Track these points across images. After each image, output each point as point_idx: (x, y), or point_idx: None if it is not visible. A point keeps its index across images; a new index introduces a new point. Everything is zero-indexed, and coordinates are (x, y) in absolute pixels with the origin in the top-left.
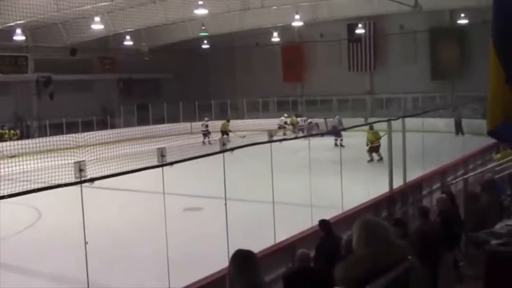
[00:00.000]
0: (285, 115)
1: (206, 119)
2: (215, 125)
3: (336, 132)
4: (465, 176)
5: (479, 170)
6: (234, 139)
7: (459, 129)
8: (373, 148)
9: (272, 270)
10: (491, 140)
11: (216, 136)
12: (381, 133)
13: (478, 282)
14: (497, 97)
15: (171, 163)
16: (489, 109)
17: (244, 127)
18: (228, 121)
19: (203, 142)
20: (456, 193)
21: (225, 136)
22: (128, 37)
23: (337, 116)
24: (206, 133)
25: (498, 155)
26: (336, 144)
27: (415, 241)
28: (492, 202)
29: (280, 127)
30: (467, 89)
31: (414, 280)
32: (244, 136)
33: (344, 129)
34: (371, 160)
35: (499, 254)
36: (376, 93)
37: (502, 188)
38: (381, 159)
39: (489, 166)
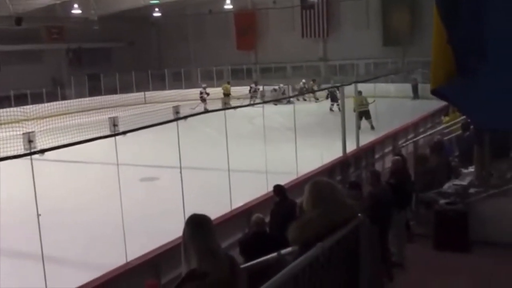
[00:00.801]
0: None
1: (204, 85)
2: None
3: (333, 97)
4: (415, 139)
5: (428, 133)
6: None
7: (415, 93)
8: (362, 113)
9: (229, 236)
10: (442, 103)
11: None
12: (370, 99)
13: (428, 239)
14: (440, 57)
15: (124, 132)
16: (432, 69)
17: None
18: (228, 83)
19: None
20: (407, 156)
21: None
22: (76, 5)
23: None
24: (204, 100)
25: (447, 118)
26: (331, 109)
27: (367, 203)
28: (441, 163)
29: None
30: (418, 55)
31: (363, 238)
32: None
33: (298, 95)
34: (360, 127)
35: (446, 213)
36: (330, 60)
37: (450, 149)
38: (372, 128)
39: (438, 128)
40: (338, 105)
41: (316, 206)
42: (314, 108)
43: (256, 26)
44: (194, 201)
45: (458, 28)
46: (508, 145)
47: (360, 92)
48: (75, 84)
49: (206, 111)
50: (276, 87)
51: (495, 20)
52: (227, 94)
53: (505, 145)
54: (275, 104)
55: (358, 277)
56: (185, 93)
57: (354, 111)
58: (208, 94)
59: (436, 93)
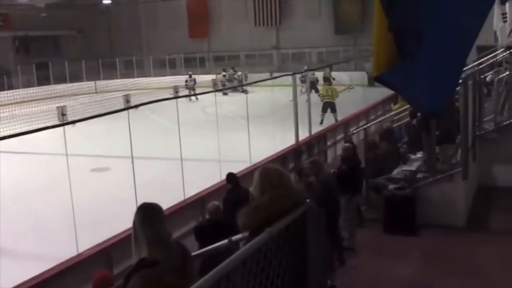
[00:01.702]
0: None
1: (190, 73)
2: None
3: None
4: (365, 126)
5: (378, 120)
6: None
7: (371, 80)
8: (327, 104)
9: (182, 225)
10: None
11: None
12: (340, 89)
13: (378, 224)
14: (382, 44)
15: (73, 122)
16: (374, 57)
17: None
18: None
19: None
20: (358, 143)
21: None
22: None
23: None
24: (192, 88)
25: (397, 105)
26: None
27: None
28: (390, 150)
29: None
30: (368, 43)
31: (311, 222)
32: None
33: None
34: (321, 122)
35: (396, 198)
36: (282, 48)
37: (399, 136)
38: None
39: (387, 115)
40: (319, 95)
41: (265, 192)
42: (268, 97)
43: (209, 14)
44: (146, 191)
45: (397, 13)
46: (454, 131)
47: (329, 82)
48: (23, 73)
49: (159, 100)
50: (236, 74)
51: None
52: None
53: (451, 131)
54: (225, 94)
55: (307, 261)
56: (137, 82)
57: (322, 101)
58: (195, 82)
59: (379, 79)
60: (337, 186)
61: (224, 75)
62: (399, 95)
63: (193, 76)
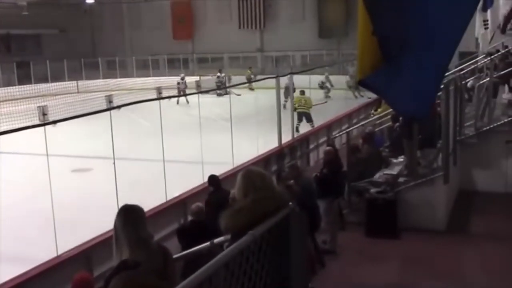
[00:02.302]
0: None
1: (182, 75)
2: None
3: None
4: (347, 130)
5: (360, 124)
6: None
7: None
8: (302, 114)
9: (164, 227)
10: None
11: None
12: (314, 102)
13: (360, 227)
14: (366, 48)
15: (54, 122)
16: (358, 60)
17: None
18: (250, 69)
19: (178, 102)
20: (340, 147)
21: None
22: None
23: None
24: (184, 91)
25: (380, 109)
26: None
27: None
28: (372, 154)
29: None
30: (352, 47)
31: (294, 225)
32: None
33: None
34: (297, 130)
35: (377, 201)
36: (266, 51)
37: (381, 140)
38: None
39: (370, 119)
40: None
41: (248, 194)
42: (251, 99)
43: (193, 16)
44: (128, 192)
45: (381, 16)
46: (435, 136)
47: (302, 92)
48: (3, 71)
49: (142, 101)
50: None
51: (415, 6)
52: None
53: (432, 135)
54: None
55: (289, 263)
56: (119, 82)
57: (294, 110)
58: (186, 85)
59: (363, 83)
60: (316, 190)
61: (218, 76)
62: (382, 99)
63: (185, 78)
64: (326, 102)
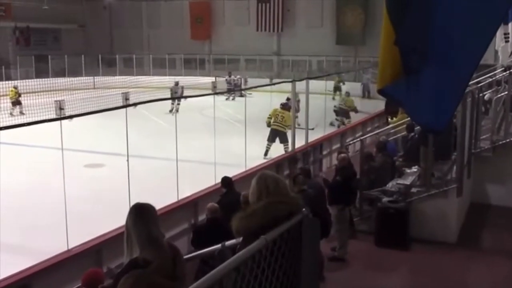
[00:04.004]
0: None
1: (229, 72)
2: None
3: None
4: (362, 138)
5: (375, 132)
6: None
7: (366, 92)
8: (275, 132)
9: (175, 226)
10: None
11: None
12: (289, 123)
13: (370, 236)
14: (387, 58)
15: (70, 117)
16: (379, 70)
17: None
18: (339, 76)
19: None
20: (353, 154)
21: None
22: None
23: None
24: (231, 90)
25: (395, 118)
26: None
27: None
28: (385, 163)
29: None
30: (369, 55)
31: (306, 232)
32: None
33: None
34: (266, 153)
35: (389, 211)
36: (283, 54)
37: (395, 149)
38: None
39: (385, 128)
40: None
41: (261, 198)
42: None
43: (211, 16)
44: (140, 190)
45: (404, 28)
46: (450, 147)
47: (284, 105)
48: (21, 64)
49: (158, 99)
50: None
51: (438, 19)
52: None
53: (448, 147)
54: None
55: (300, 271)
56: (136, 80)
57: (268, 125)
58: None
59: (382, 93)
60: (328, 196)
61: (226, 80)
62: (401, 109)
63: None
64: (313, 128)
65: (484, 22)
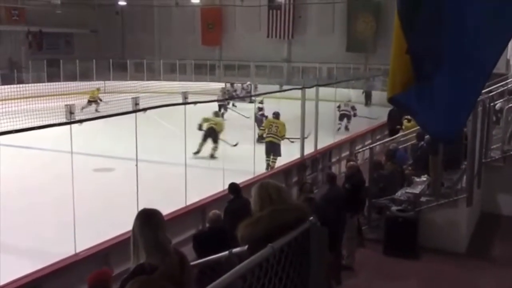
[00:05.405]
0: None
1: (248, 82)
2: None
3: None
4: (371, 146)
5: (384, 140)
6: None
7: (368, 99)
8: (271, 145)
9: (182, 232)
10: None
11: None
12: (287, 133)
13: (378, 244)
14: (398, 66)
15: (80, 121)
16: (390, 78)
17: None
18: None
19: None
20: (363, 162)
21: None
22: None
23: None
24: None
25: (408, 124)
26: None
27: (320, 205)
28: (395, 171)
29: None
30: (380, 62)
31: (314, 240)
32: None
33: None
34: (267, 168)
35: (398, 219)
36: (293, 61)
37: (405, 157)
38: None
39: (394, 136)
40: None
41: (264, 207)
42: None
43: (222, 23)
44: (148, 195)
45: (416, 36)
46: (460, 157)
47: (276, 115)
48: (34, 68)
49: (167, 105)
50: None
51: (451, 27)
52: None
53: (457, 156)
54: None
55: (308, 279)
56: (146, 85)
57: (261, 138)
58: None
59: (392, 101)
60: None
61: (228, 90)
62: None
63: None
64: (307, 137)
65: (497, 31)
